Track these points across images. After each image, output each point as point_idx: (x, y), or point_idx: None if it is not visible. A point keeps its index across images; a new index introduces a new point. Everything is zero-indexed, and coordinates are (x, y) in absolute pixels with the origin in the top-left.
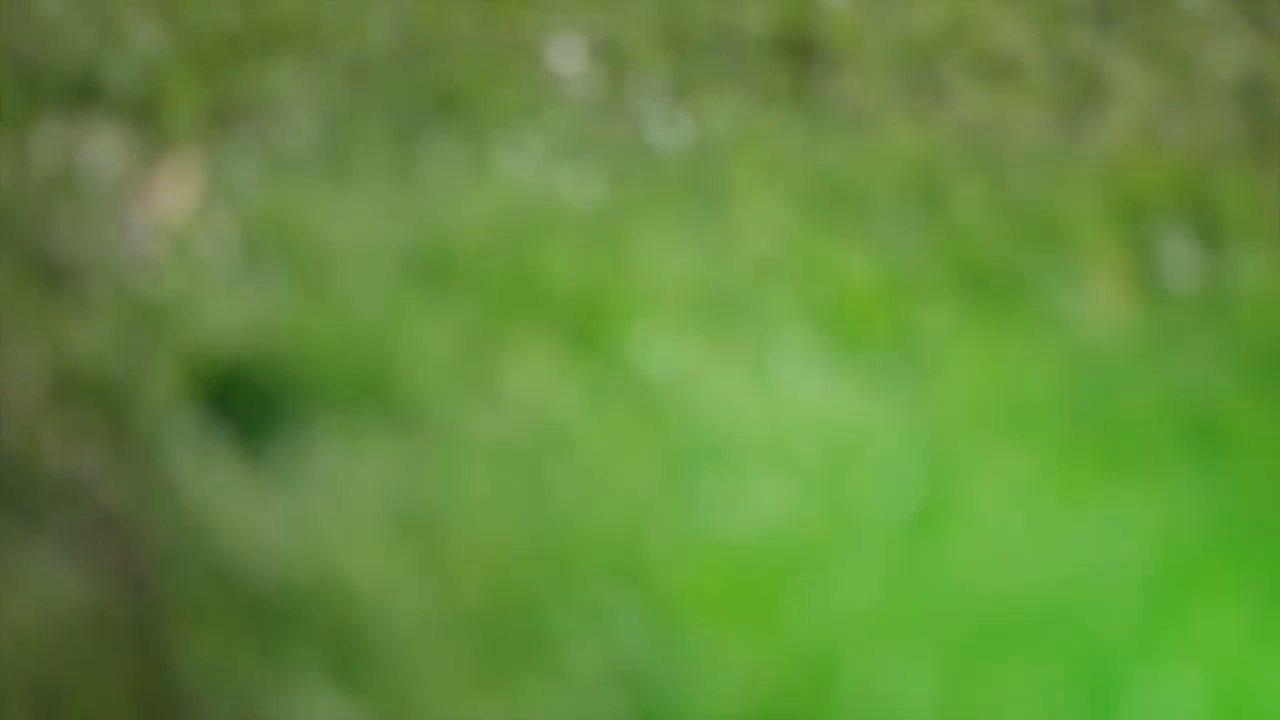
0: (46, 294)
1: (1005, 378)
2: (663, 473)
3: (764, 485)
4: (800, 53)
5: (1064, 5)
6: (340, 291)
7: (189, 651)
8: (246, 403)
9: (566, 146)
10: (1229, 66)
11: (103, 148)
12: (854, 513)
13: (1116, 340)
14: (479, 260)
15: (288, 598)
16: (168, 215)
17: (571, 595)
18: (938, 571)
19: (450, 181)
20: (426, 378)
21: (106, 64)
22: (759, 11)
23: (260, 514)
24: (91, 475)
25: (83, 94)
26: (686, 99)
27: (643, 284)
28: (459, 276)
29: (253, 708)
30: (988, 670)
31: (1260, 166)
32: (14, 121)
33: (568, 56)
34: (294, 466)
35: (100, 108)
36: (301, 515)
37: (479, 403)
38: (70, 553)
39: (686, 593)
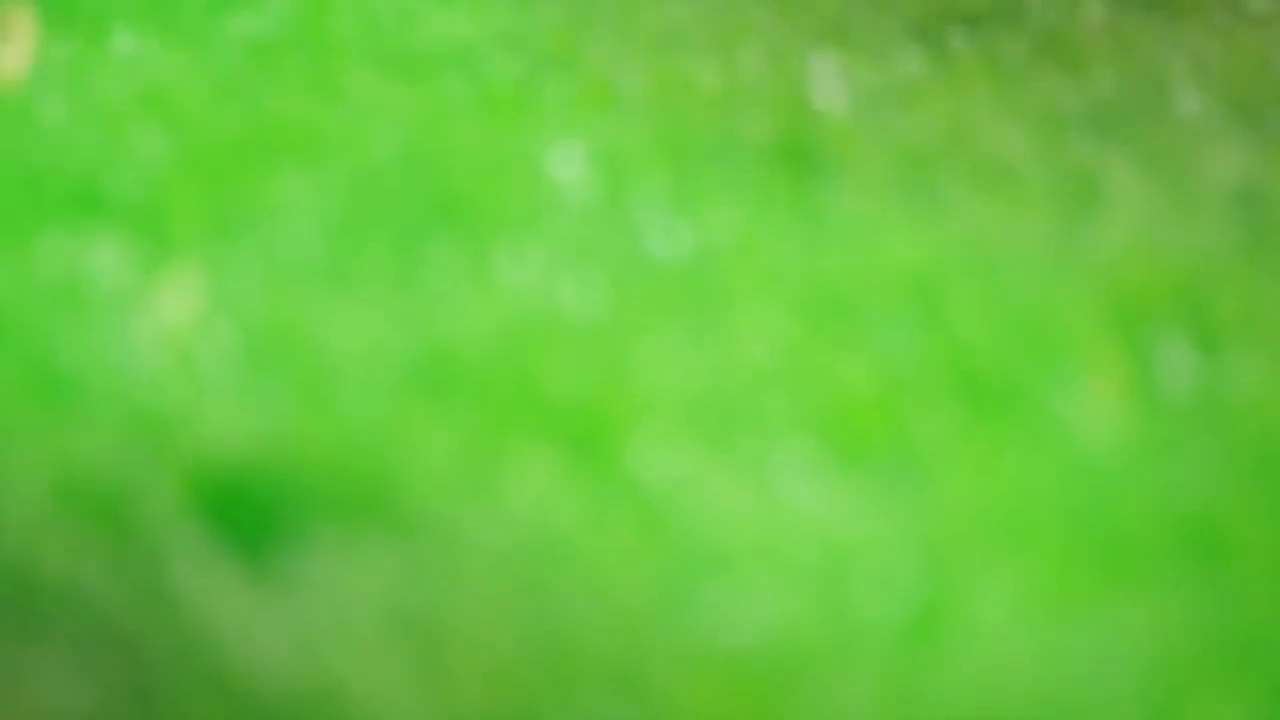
0: (49, 403)
1: (1003, 486)
2: (662, 581)
3: (763, 594)
4: (799, 161)
5: (1062, 112)
6: (341, 401)
7: None
8: (247, 512)
9: (567, 255)
10: (1226, 173)
11: (105, 257)
12: (853, 621)
13: (1114, 447)
14: (480, 369)
15: (288, 706)
16: (170, 325)
17: (571, 704)
18: (936, 681)
19: (451, 290)
20: (427, 487)
21: (110, 173)
22: (758, 119)
23: (260, 623)
24: (93, 584)
25: (86, 204)
26: (686, 207)
27: (642, 393)
28: (460, 385)
29: None
30: None
31: (1257, 273)
32: (18, 231)
33: (568, 165)
34: (294, 576)
35: (103, 217)
36: (302, 624)
37: (479, 512)
38: (72, 661)
39: (685, 702)
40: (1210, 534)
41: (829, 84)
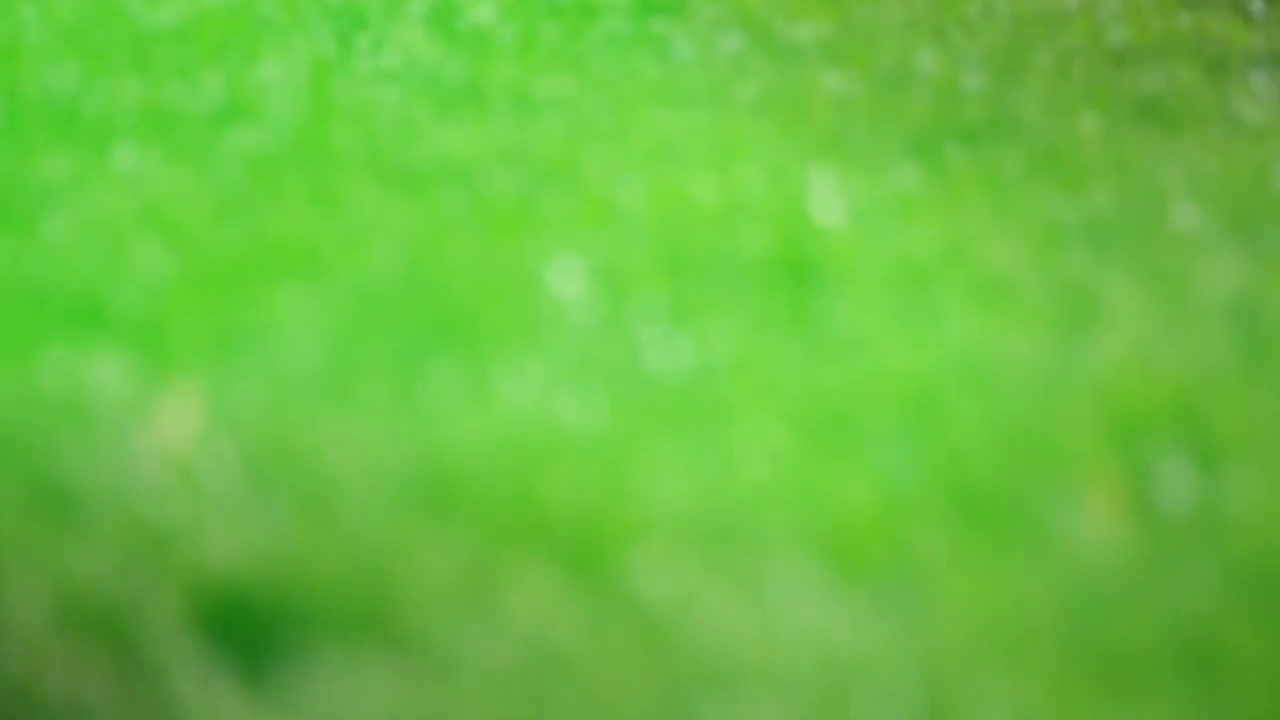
0: (51, 519)
1: (1002, 602)
2: (662, 698)
3: (763, 710)
4: (798, 275)
5: (1058, 226)
6: (341, 517)
7: None
8: (248, 629)
9: (566, 370)
10: (1223, 286)
11: (107, 373)
12: None
13: (1113, 563)
14: (479, 486)
15: None
16: (171, 441)
17: None
18: None
19: (451, 406)
20: (427, 603)
21: (111, 289)
22: (756, 233)
23: None
24: (95, 701)
25: (88, 319)
26: (685, 322)
27: (642, 510)
28: (460, 503)
29: None
30: None
31: (1254, 387)
32: (21, 346)
33: (567, 280)
34: (295, 692)
35: (105, 333)
36: None
37: (479, 628)
38: None
39: None
40: (1208, 649)
41: (827, 198)
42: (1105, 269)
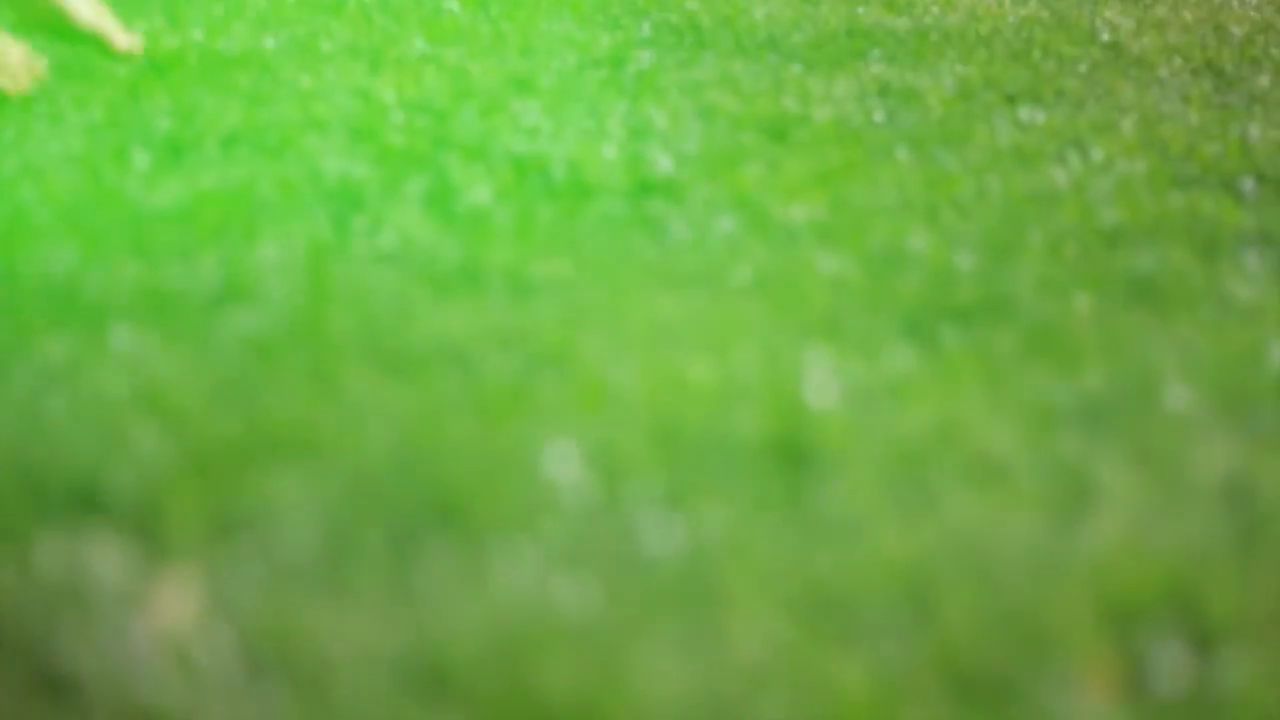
0: (49, 703)
1: None
2: None
3: None
4: (792, 458)
5: (1052, 407)
6: (338, 704)
7: None
8: None
9: (562, 555)
10: (1215, 468)
11: (105, 559)
12: None
13: None
14: (475, 673)
15: None
16: (169, 626)
17: None
18: None
19: (447, 591)
20: None
21: (109, 472)
22: (751, 416)
23: None
24: None
25: (86, 503)
26: (680, 505)
27: (638, 695)
28: (455, 690)
29: None
30: None
31: (1249, 569)
32: (18, 530)
33: (563, 464)
34: None
35: (103, 517)
36: None
37: None
38: None
39: None
40: None
41: (822, 380)
42: (1099, 450)
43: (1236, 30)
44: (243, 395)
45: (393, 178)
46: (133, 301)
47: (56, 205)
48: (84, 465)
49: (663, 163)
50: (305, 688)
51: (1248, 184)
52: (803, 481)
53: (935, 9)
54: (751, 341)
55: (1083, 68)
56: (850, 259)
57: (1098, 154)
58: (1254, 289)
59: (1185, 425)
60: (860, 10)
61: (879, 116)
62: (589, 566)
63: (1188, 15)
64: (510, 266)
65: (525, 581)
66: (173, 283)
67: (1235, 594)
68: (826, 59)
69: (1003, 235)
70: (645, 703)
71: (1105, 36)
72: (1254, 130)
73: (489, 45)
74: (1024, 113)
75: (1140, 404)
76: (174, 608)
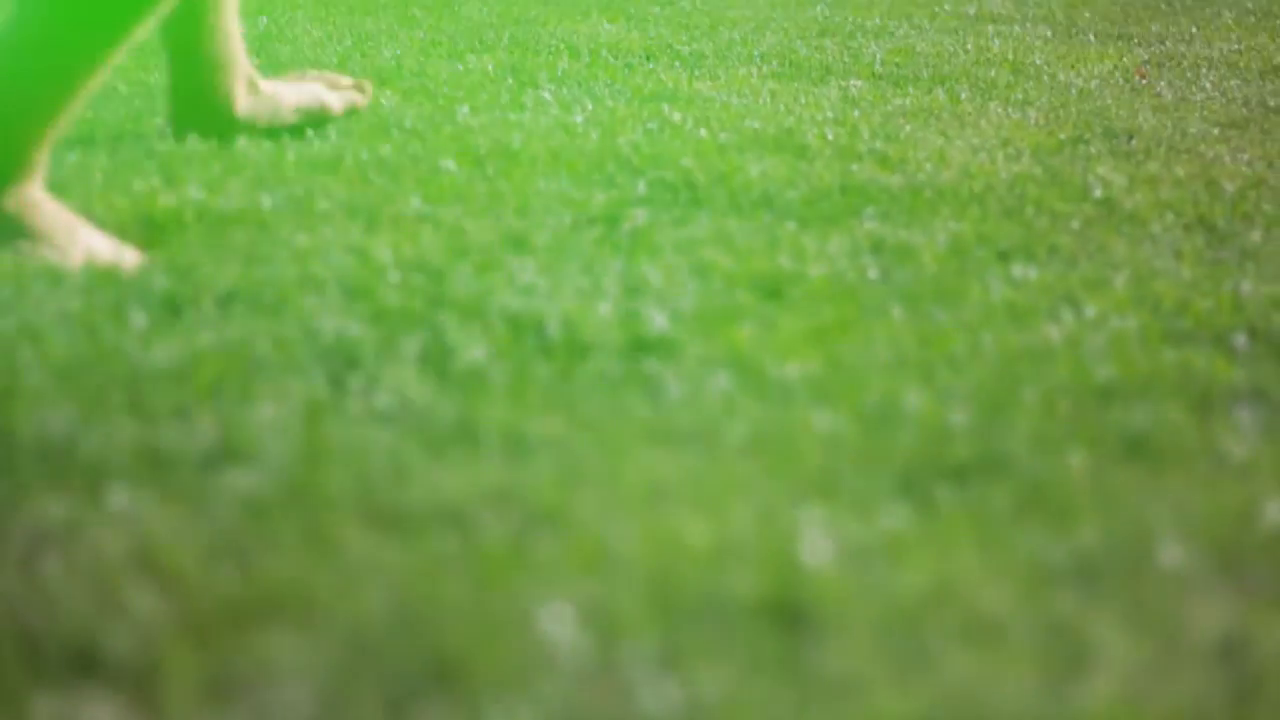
0: None
1: None
2: None
3: None
4: (787, 618)
5: (1046, 565)
6: None
7: None
8: None
9: (558, 716)
10: (1210, 626)
11: None
12: None
13: None
14: None
15: None
16: None
17: None
18: None
19: None
20: None
21: (105, 634)
22: (745, 576)
23: None
24: None
25: (82, 666)
26: (676, 666)
27: None
28: None
29: None
30: None
31: None
32: (14, 694)
33: (558, 624)
34: None
35: (99, 680)
36: None
37: None
38: None
39: None
40: None
41: (816, 540)
42: (1093, 608)
43: (1229, 185)
44: (239, 555)
45: (388, 337)
46: (129, 461)
47: (53, 364)
48: (80, 626)
49: (658, 320)
50: None
51: (1240, 339)
52: (799, 641)
53: (929, 166)
54: (747, 500)
55: (1075, 224)
56: (845, 417)
57: (1090, 310)
58: (1247, 446)
59: (1180, 583)
60: (854, 167)
61: (873, 273)
62: None
63: (1180, 171)
64: (506, 425)
65: None
66: (169, 442)
67: None
68: (821, 216)
69: (997, 392)
70: None
71: (1098, 193)
72: (1246, 285)
73: (485, 203)
74: (1017, 269)
75: (1135, 562)
76: None
